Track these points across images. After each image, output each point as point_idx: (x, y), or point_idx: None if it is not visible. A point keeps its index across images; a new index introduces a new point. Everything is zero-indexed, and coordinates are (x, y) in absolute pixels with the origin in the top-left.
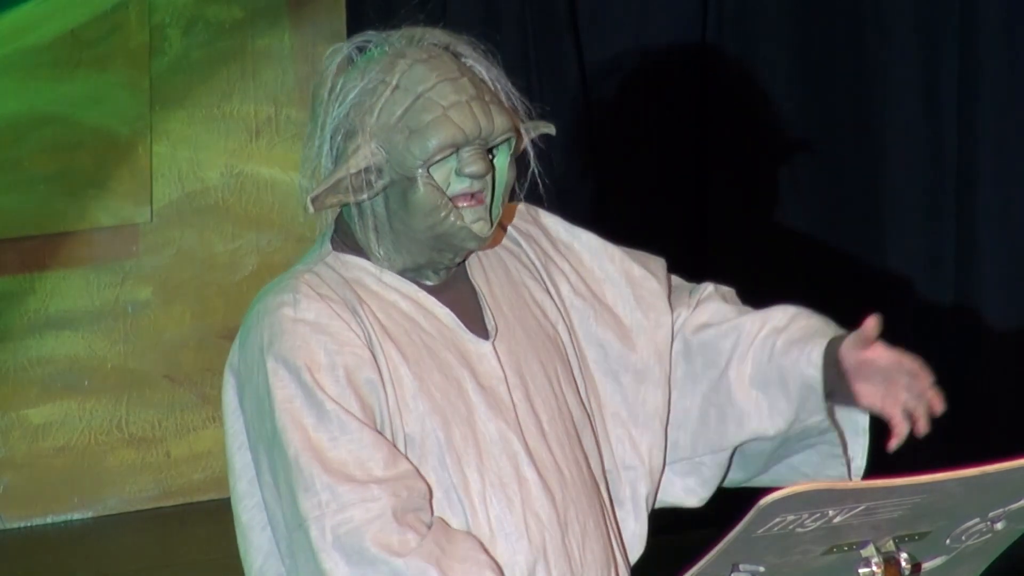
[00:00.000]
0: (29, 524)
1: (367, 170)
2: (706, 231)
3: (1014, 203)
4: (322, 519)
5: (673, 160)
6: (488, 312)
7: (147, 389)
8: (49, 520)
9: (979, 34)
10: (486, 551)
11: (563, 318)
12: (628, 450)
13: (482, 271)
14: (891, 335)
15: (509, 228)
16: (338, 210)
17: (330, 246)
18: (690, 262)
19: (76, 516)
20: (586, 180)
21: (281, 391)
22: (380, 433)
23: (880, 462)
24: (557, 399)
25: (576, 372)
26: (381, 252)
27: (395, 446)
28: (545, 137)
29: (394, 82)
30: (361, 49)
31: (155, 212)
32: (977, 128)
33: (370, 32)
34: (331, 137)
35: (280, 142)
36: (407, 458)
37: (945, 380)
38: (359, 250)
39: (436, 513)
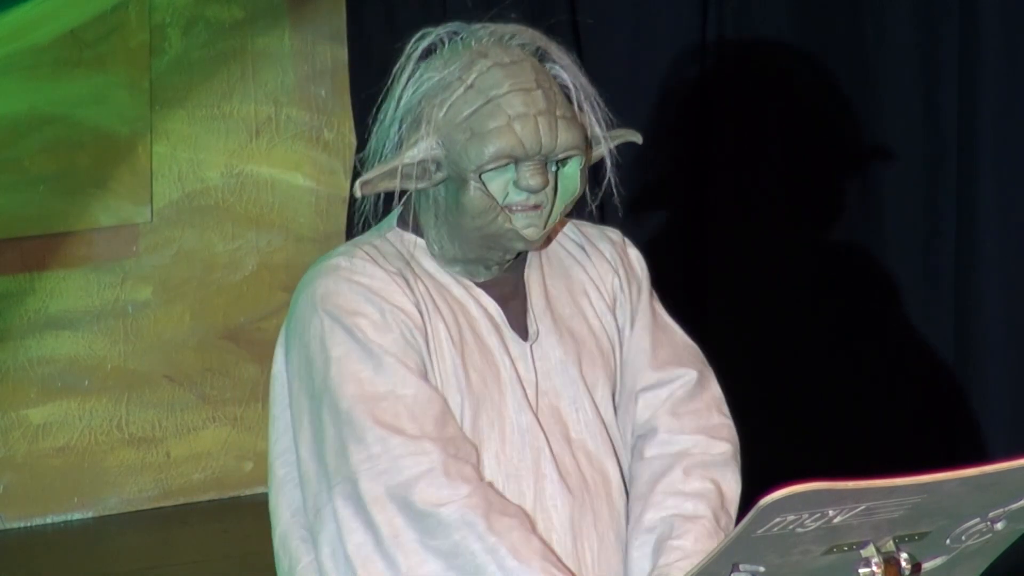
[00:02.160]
0: (29, 524)
1: (425, 161)
2: (705, 228)
3: (1014, 203)
4: (373, 470)
5: (675, 157)
6: (532, 315)
7: (147, 389)
8: (49, 520)
9: (979, 33)
10: (530, 517)
11: (620, 340)
12: None
13: (540, 273)
14: (891, 335)
15: (582, 240)
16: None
17: (395, 222)
18: (691, 259)
19: (76, 516)
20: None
21: (337, 347)
22: (435, 389)
23: (880, 462)
24: (593, 409)
25: (619, 389)
26: (436, 238)
27: (447, 406)
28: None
29: (469, 81)
30: (451, 36)
31: (155, 212)
32: (977, 127)
33: (459, 23)
34: (399, 121)
35: (280, 142)
36: (455, 420)
37: (945, 380)
38: (421, 232)
39: None
